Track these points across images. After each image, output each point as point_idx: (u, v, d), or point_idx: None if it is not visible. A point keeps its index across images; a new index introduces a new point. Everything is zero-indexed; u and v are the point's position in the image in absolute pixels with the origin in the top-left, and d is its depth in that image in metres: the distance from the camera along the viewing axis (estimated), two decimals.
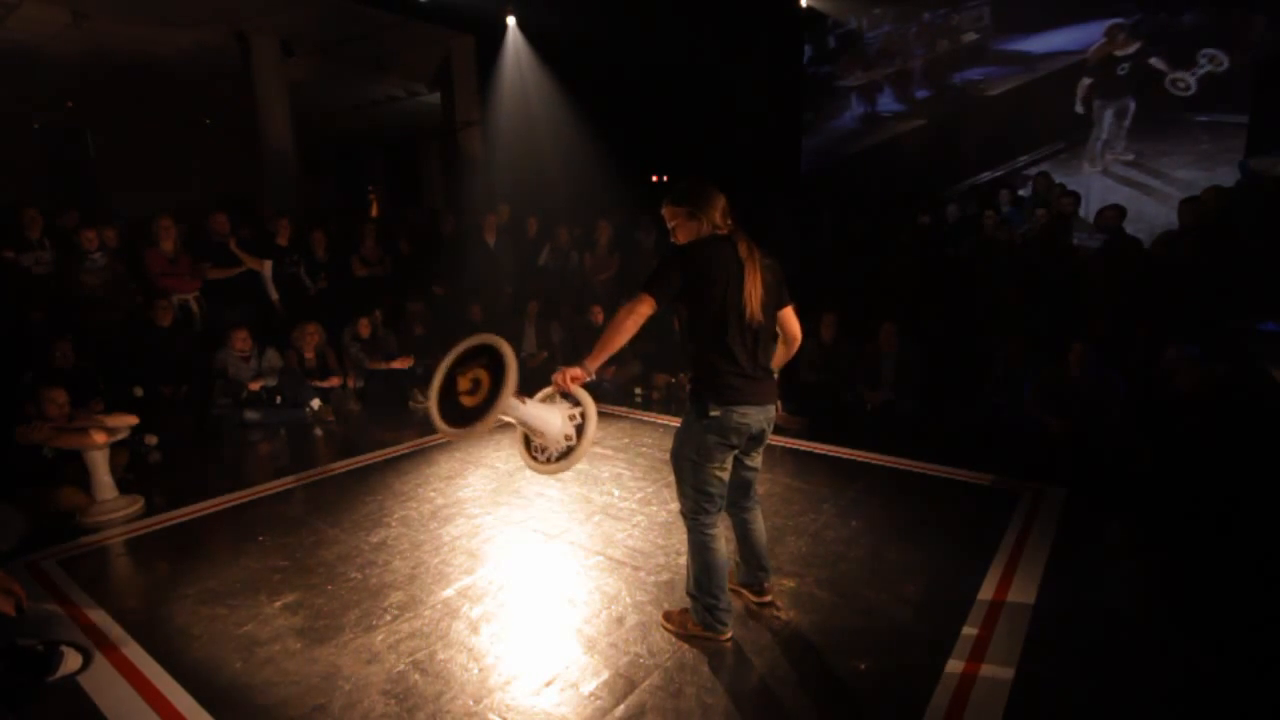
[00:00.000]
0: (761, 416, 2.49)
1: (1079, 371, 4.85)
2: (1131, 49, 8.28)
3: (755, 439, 2.55)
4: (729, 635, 2.62)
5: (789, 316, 2.59)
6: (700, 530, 2.53)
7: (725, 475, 2.52)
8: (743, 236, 2.46)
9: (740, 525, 2.77)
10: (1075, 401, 4.80)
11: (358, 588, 3.08)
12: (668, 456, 4.75)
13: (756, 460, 2.68)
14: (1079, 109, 8.66)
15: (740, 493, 2.70)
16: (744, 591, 2.87)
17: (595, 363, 2.36)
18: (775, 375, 2.58)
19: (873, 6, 10.08)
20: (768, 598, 2.83)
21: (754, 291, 2.38)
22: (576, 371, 2.37)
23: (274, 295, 6.49)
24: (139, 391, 5.24)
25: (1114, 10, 8.36)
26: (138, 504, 4.07)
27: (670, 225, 2.52)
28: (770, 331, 2.52)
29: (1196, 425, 4.05)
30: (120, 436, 4.14)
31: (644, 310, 2.31)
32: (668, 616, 2.74)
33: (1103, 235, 5.97)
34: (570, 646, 2.61)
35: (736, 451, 2.54)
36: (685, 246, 2.42)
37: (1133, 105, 8.33)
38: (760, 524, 2.80)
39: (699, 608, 2.59)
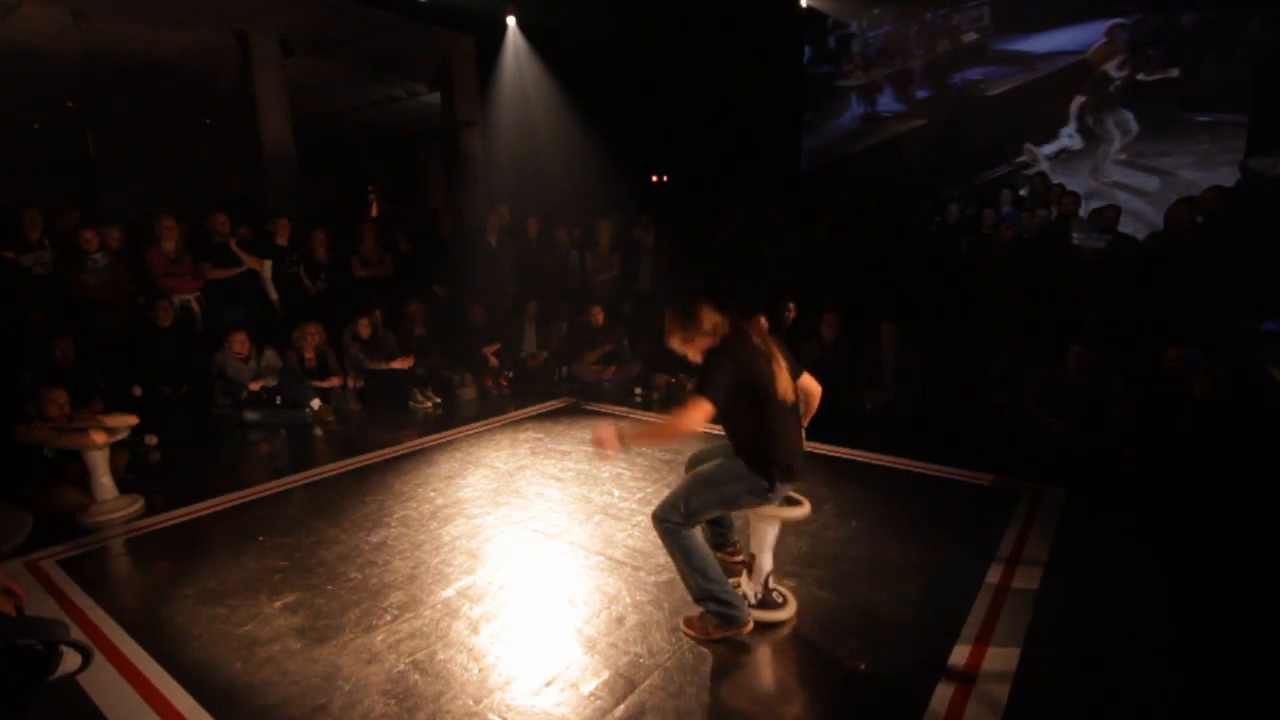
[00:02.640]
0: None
1: (1077, 372, 4.85)
2: (1122, 67, 8.36)
3: None
4: (750, 623, 2.63)
5: (807, 378, 2.77)
6: (675, 533, 2.60)
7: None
8: (752, 325, 2.61)
9: None
10: (1074, 402, 4.80)
11: (358, 588, 3.08)
12: (668, 457, 4.77)
13: None
14: (1072, 130, 8.69)
15: None
16: (720, 554, 2.96)
17: (636, 443, 2.54)
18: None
19: (873, 6, 10.08)
20: (739, 556, 3.01)
21: (782, 374, 2.54)
22: (614, 441, 2.46)
23: (274, 295, 6.49)
24: (138, 391, 5.24)
25: (1114, 10, 8.36)
26: (138, 504, 4.07)
27: (681, 350, 2.64)
28: (799, 403, 2.68)
29: (1206, 427, 4.05)
30: (120, 436, 4.13)
31: (702, 416, 2.40)
32: (689, 623, 2.71)
33: (1101, 235, 5.97)
34: (570, 646, 2.61)
35: None
36: (724, 351, 2.52)
37: (1132, 119, 8.38)
38: None
39: (713, 608, 2.60)
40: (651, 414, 6.00)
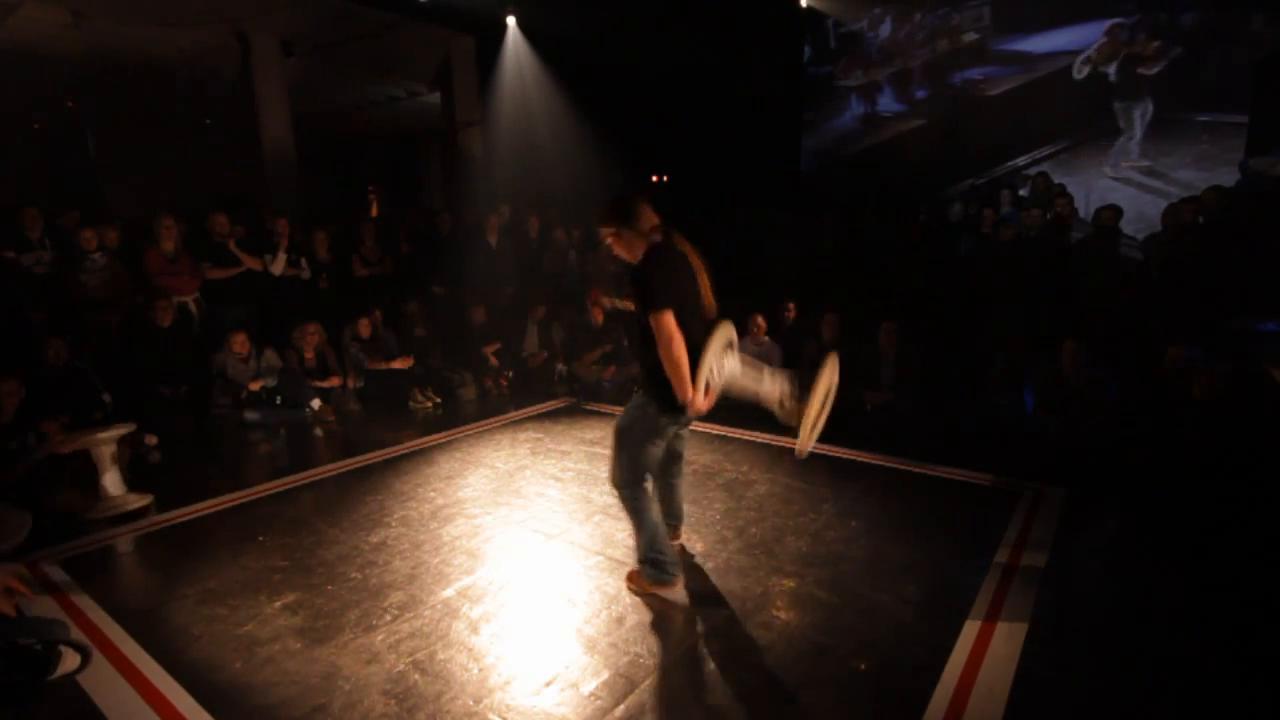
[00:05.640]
0: None
1: (1072, 370, 4.85)
2: (1152, 48, 8.21)
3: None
4: (680, 582, 2.91)
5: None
6: (637, 500, 2.82)
7: (660, 452, 2.86)
8: (681, 239, 2.71)
9: (666, 489, 3.18)
10: (1070, 401, 4.80)
11: (358, 588, 3.08)
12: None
13: (686, 430, 3.06)
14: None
15: (672, 461, 3.11)
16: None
17: (698, 390, 2.58)
18: None
19: (873, 6, 10.08)
20: (679, 539, 3.33)
21: (706, 290, 2.71)
22: (699, 401, 2.61)
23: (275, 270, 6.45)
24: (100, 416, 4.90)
25: (1114, 10, 8.36)
26: (147, 499, 4.08)
27: (606, 242, 2.75)
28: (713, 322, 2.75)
29: (1206, 427, 4.05)
30: (115, 434, 4.11)
31: (674, 325, 2.53)
32: (631, 577, 3.00)
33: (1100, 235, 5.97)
34: (570, 646, 2.61)
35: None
36: (655, 258, 2.64)
37: (1151, 107, 8.30)
38: (682, 487, 3.28)
39: (649, 570, 2.88)
40: None
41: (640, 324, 2.65)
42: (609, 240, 2.74)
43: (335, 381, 6.16)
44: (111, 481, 4.02)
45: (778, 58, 10.64)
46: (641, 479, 2.80)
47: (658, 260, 2.62)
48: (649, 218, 2.68)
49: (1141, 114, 8.37)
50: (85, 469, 4.03)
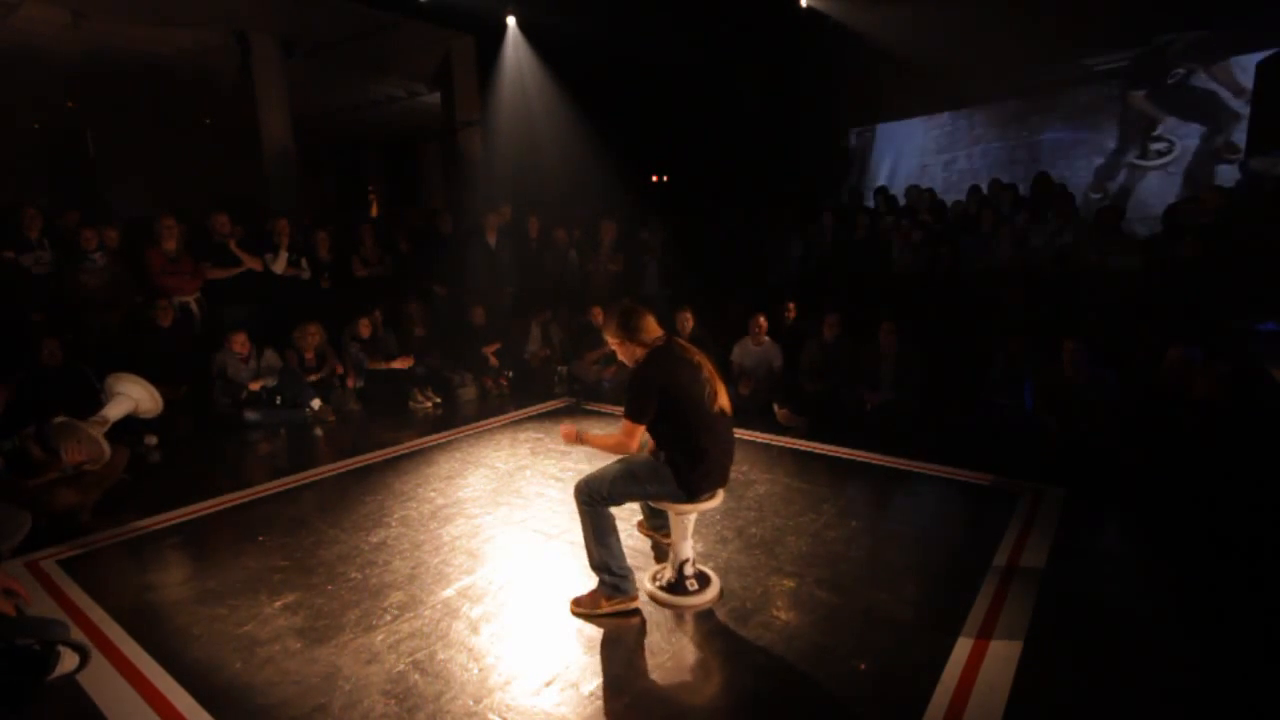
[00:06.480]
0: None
1: (1072, 371, 4.85)
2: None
3: None
4: (638, 599, 2.83)
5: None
6: (600, 512, 2.77)
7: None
8: (684, 344, 2.80)
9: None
10: (1071, 401, 4.80)
11: (358, 588, 3.08)
12: None
13: None
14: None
15: None
16: (655, 535, 3.28)
17: (588, 444, 2.76)
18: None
19: (873, 6, 10.07)
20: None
21: (715, 386, 2.73)
22: (572, 435, 2.78)
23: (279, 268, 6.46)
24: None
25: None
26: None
27: (613, 347, 2.87)
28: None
29: (1204, 427, 4.05)
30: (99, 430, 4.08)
31: (637, 440, 2.69)
32: (578, 601, 2.84)
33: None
34: (570, 646, 2.61)
35: None
36: (645, 367, 2.71)
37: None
38: None
39: (606, 579, 2.77)
40: None
41: (657, 416, 2.71)
42: (614, 347, 2.83)
43: (338, 369, 6.19)
44: (116, 409, 4.06)
45: (778, 58, 10.63)
46: (609, 505, 2.78)
47: (654, 364, 2.69)
48: (652, 329, 2.76)
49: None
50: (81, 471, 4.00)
